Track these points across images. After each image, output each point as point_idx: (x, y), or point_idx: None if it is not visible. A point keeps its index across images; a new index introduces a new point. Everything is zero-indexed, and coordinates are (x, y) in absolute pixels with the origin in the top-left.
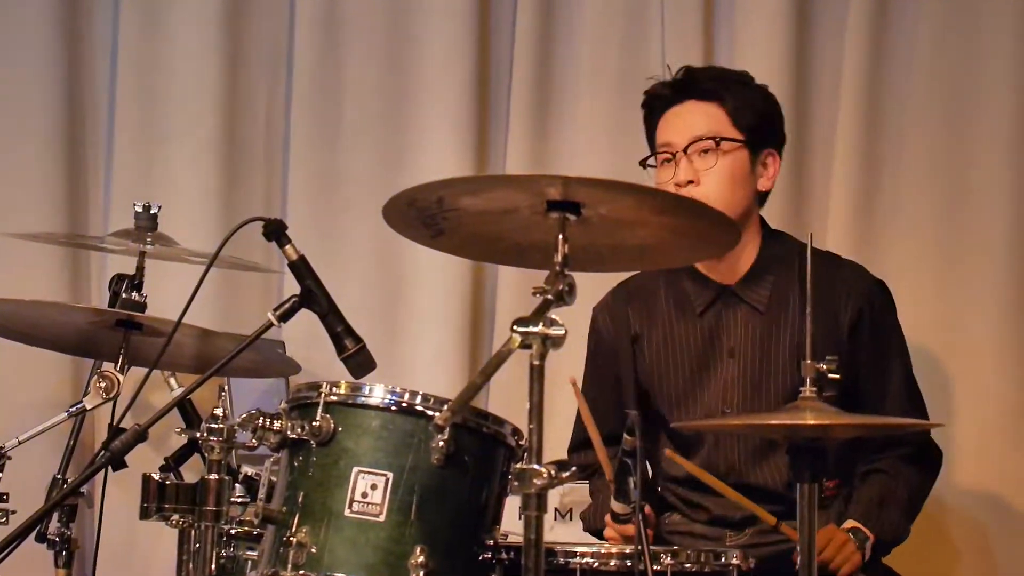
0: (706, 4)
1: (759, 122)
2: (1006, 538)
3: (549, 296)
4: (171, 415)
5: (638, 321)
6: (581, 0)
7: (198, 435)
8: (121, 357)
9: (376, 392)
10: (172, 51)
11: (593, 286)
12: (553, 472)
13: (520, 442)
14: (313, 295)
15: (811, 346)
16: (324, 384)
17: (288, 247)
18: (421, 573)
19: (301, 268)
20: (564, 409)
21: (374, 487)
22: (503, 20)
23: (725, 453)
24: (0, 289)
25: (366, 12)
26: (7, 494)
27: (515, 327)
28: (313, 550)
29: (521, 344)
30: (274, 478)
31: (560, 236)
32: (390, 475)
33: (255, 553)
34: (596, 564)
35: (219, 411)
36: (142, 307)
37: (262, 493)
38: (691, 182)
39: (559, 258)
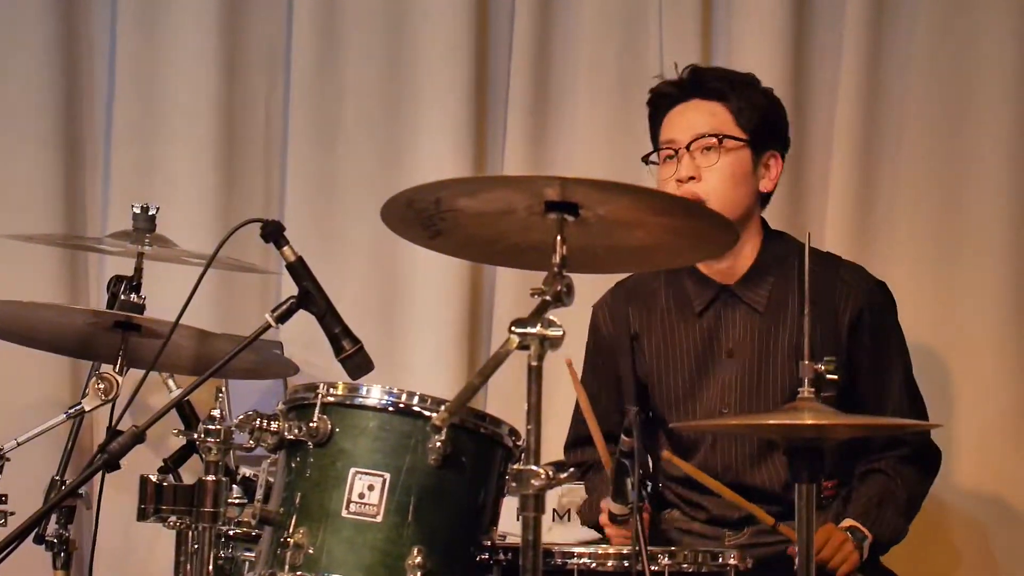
0: (704, 5)
1: (763, 123)
2: (1006, 538)
3: (547, 297)
4: (169, 416)
5: (638, 320)
6: (579, 1)
7: (196, 436)
8: (119, 358)
9: (373, 393)
10: (170, 52)
11: (592, 286)
12: (551, 473)
13: (518, 443)
14: (311, 296)
15: (810, 347)
16: (321, 385)
17: (286, 248)
18: (419, 574)
19: (299, 269)
20: (562, 410)
21: (371, 488)
22: (501, 22)
23: (723, 453)
24: None
25: (364, 14)
26: (5, 495)
27: (513, 328)
28: (310, 551)
29: (519, 345)
30: (271, 479)
31: (558, 237)
32: (387, 476)
33: (253, 554)
34: (594, 565)
35: (217, 412)
36: (140, 308)
37: (259, 494)
38: (692, 178)
39: (557, 259)
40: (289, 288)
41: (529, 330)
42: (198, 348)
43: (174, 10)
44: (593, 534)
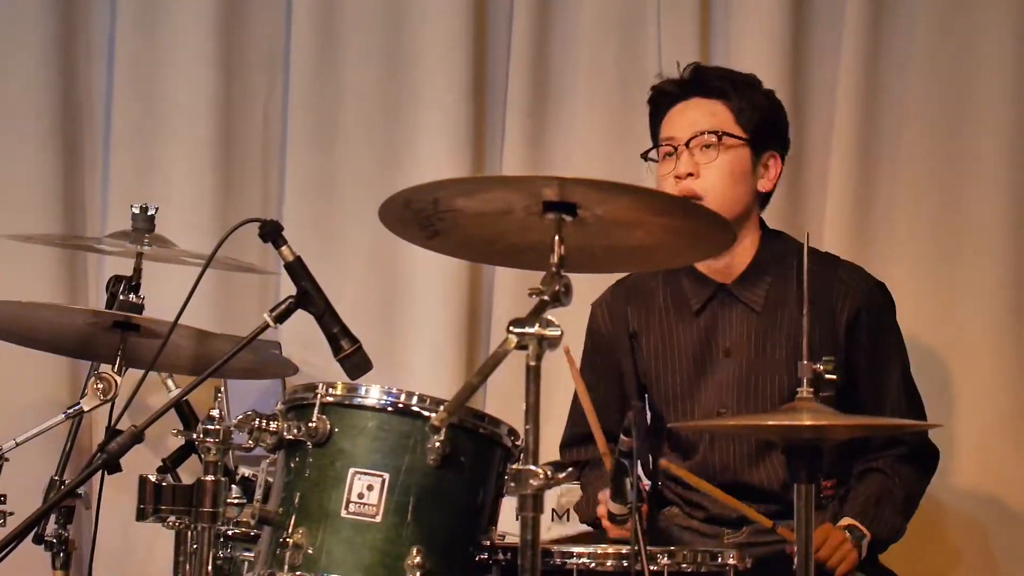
0: (702, 6)
1: (763, 123)
2: (1005, 538)
3: (545, 297)
4: (168, 416)
5: (636, 319)
6: (578, 2)
7: (195, 436)
8: (118, 358)
9: (372, 393)
10: (169, 52)
11: (590, 286)
12: (549, 473)
13: (516, 443)
14: (309, 296)
15: (808, 346)
16: (320, 385)
17: (284, 248)
18: (418, 574)
19: (297, 269)
20: (561, 410)
21: (370, 488)
22: (500, 23)
23: (722, 452)
24: None
25: (363, 14)
26: (5, 496)
27: (511, 328)
28: (310, 551)
29: (517, 345)
30: (270, 479)
31: (556, 237)
32: (386, 476)
33: (252, 554)
34: (592, 564)
35: (216, 412)
36: (139, 308)
37: (258, 494)
38: (691, 174)
39: (555, 259)
40: (288, 288)
41: (527, 330)
42: (197, 348)
43: (173, 10)
44: (590, 530)
